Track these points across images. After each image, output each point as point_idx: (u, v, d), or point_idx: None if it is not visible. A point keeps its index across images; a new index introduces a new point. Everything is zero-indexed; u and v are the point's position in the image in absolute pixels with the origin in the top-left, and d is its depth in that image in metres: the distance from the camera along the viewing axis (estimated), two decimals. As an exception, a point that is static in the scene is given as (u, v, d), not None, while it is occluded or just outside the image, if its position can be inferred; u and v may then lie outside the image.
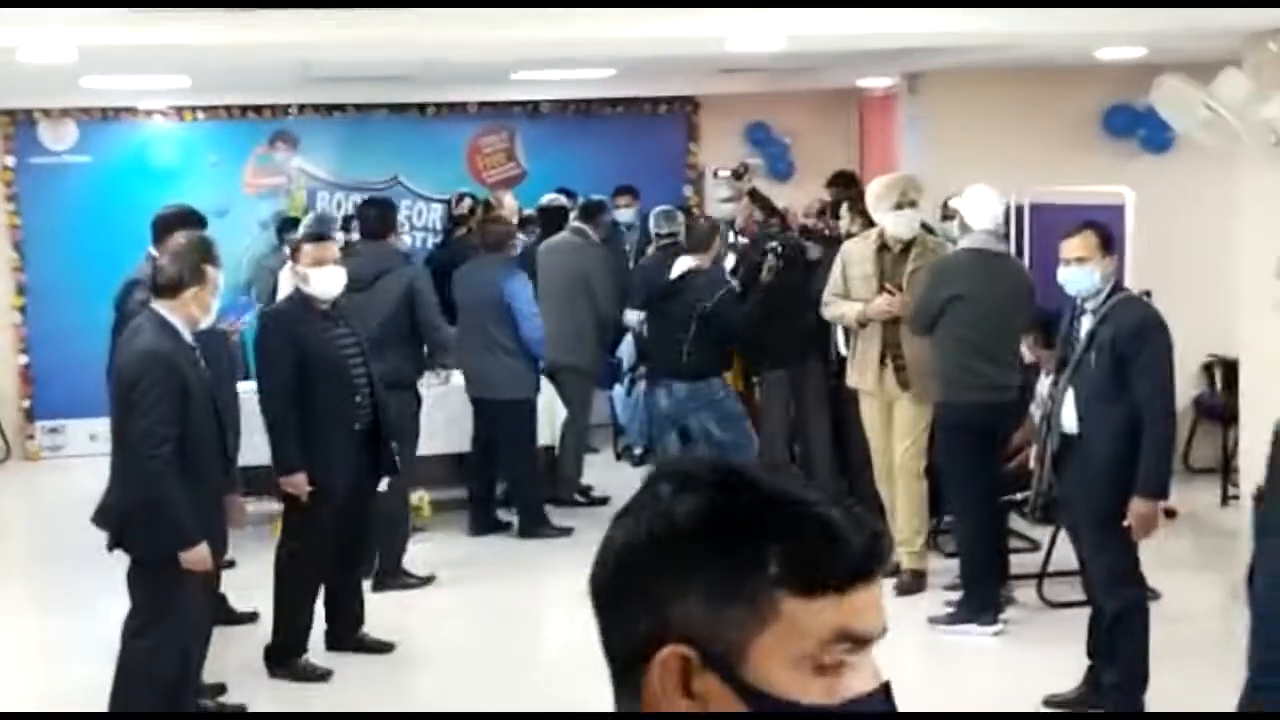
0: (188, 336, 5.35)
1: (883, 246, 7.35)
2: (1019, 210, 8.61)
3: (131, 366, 5.25)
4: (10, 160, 11.45)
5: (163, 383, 5.16)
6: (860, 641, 1.35)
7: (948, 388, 6.81)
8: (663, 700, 1.32)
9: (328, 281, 6.39)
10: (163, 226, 6.83)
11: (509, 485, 8.86)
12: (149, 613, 5.37)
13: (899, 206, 7.24)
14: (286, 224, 10.66)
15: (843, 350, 7.91)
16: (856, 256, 7.43)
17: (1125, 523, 5.57)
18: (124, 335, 5.48)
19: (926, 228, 7.65)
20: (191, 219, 7.04)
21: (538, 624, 7.82)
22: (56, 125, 11.50)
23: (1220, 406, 9.17)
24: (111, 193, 11.30)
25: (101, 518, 5.48)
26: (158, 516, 5.20)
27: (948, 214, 7.77)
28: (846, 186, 9.32)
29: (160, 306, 5.34)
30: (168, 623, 5.36)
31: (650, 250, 9.55)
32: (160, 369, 5.18)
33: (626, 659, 1.36)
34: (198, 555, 5.23)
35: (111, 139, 11.59)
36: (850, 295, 7.41)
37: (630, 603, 1.35)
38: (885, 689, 1.37)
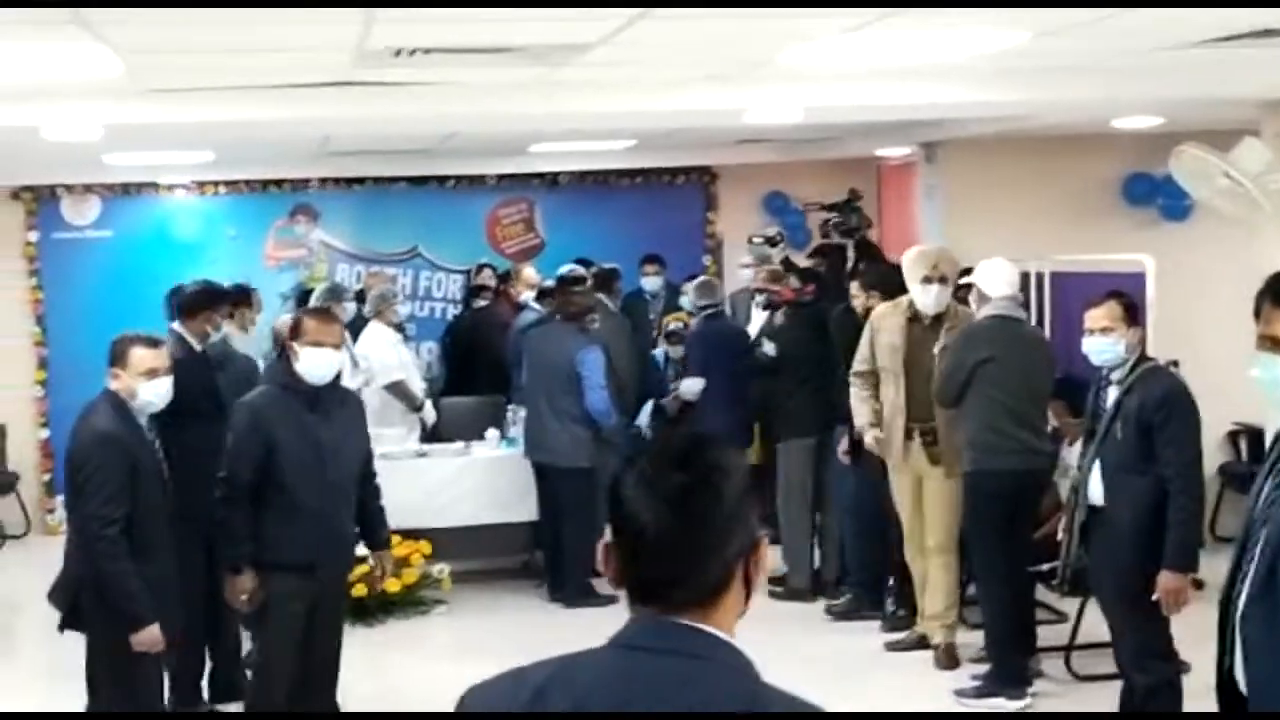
0: (140, 418, 5.38)
1: (913, 317, 7.33)
2: (1039, 279, 8.59)
3: (80, 448, 5.28)
4: (33, 235, 11.53)
5: (110, 464, 5.17)
6: None
7: (979, 455, 6.74)
8: (755, 579, 1.94)
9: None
10: (189, 304, 6.90)
11: (557, 553, 8.79)
12: (107, 694, 5.37)
13: (927, 280, 7.22)
14: (305, 295, 10.70)
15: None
16: (886, 325, 7.39)
17: (1154, 597, 5.51)
18: (79, 416, 5.48)
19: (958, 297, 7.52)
20: (216, 294, 7.10)
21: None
22: (79, 201, 11.58)
23: (1246, 475, 9.09)
24: (133, 267, 11.37)
25: (56, 597, 5.50)
26: (108, 596, 5.21)
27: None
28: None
29: (112, 384, 5.38)
30: (136, 706, 5.36)
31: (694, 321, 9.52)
32: (108, 450, 5.20)
33: (720, 580, 1.90)
34: (149, 636, 5.21)
35: (133, 214, 11.67)
36: (877, 365, 7.38)
37: (739, 528, 1.92)
38: None
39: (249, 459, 5.57)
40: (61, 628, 5.48)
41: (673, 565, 1.89)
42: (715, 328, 9.18)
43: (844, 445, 8.05)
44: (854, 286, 8.17)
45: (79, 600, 5.35)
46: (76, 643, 5.49)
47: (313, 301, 9.43)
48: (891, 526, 7.69)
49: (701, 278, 9.86)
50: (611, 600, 8.30)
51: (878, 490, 7.74)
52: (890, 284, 7.77)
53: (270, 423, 5.59)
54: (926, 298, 7.23)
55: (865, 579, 8.22)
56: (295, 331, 5.76)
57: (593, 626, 2.05)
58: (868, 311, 7.97)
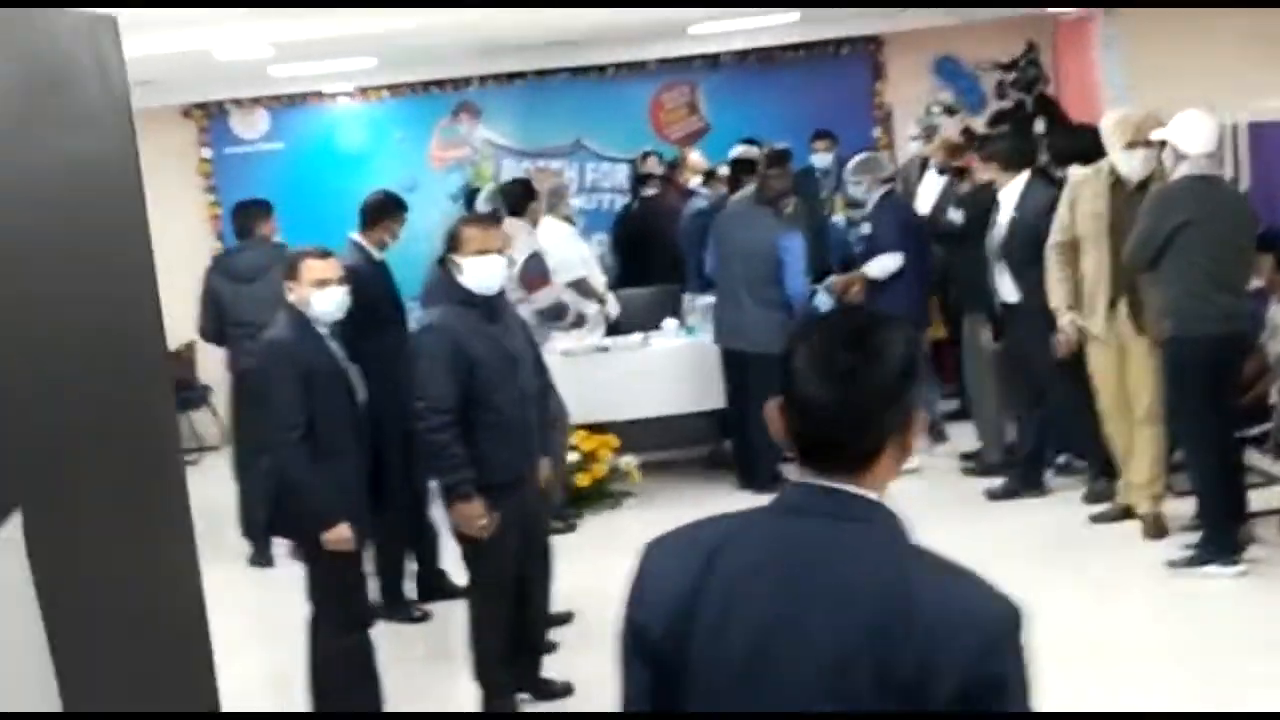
0: (320, 327, 5.40)
1: (1115, 183, 7.02)
2: (1234, 130, 8.20)
3: (259, 361, 5.43)
4: (207, 152, 11.72)
5: (284, 373, 5.25)
6: None
7: (1180, 322, 6.47)
8: (908, 445, 2.07)
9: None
10: (368, 213, 6.97)
11: (745, 441, 8.66)
12: (319, 595, 5.47)
13: (1131, 146, 6.89)
14: (473, 194, 10.69)
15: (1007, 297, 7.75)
16: (1088, 193, 7.09)
17: None
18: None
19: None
20: (395, 204, 7.16)
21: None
22: (248, 114, 11.72)
23: None
24: (304, 177, 11.49)
25: (257, 511, 5.59)
26: (297, 499, 5.29)
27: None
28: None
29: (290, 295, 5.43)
30: (338, 608, 5.46)
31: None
32: (281, 360, 5.28)
33: (876, 449, 2.04)
34: (338, 534, 5.28)
35: (301, 124, 11.77)
36: (1078, 234, 7.11)
37: (898, 404, 2.04)
38: None
39: (452, 382, 5.35)
40: (268, 533, 5.59)
41: (833, 434, 2.06)
42: (892, 203, 8.92)
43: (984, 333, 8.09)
44: (994, 168, 7.86)
45: (278, 505, 5.46)
46: (282, 544, 5.65)
47: (481, 203, 9.43)
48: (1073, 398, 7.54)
49: (861, 155, 9.48)
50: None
51: (1030, 366, 7.70)
52: (1074, 149, 7.50)
53: (465, 341, 5.39)
54: (1132, 163, 6.91)
55: (1019, 458, 8.08)
56: (455, 243, 5.54)
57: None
58: (989, 183, 7.72)
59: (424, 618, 7.07)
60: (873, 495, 2.06)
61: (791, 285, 8.31)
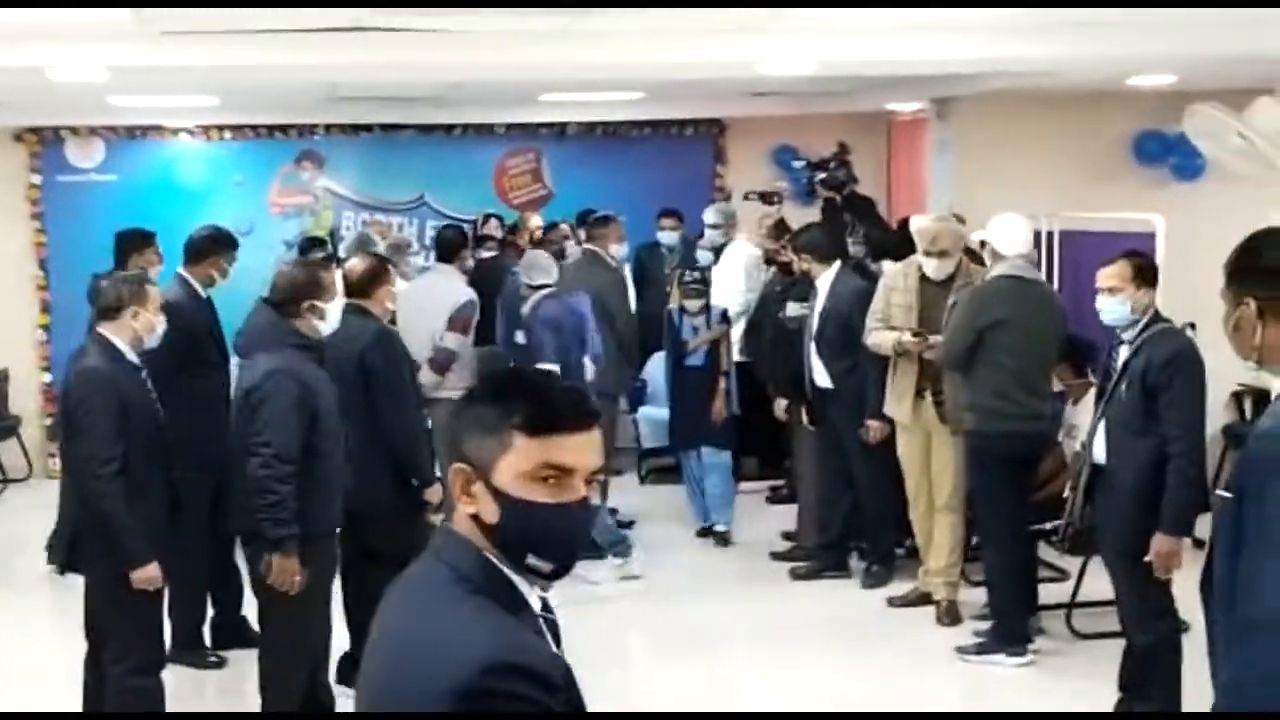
0: (132, 357, 5.34)
1: (924, 277, 7.28)
2: (1049, 236, 8.56)
3: (74, 389, 5.26)
4: (36, 178, 11.46)
5: (104, 404, 5.15)
6: (563, 469, 2.13)
7: (984, 418, 6.72)
8: (460, 500, 2.17)
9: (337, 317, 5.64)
10: (196, 248, 6.90)
11: None
12: (110, 635, 5.38)
13: (927, 254, 7.20)
14: (310, 244, 10.62)
15: (821, 383, 7.96)
16: (900, 286, 7.35)
17: (1147, 558, 5.50)
18: (71, 357, 5.46)
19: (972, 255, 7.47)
20: (224, 241, 7.09)
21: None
22: (84, 143, 11.51)
23: (1250, 435, 9.09)
24: (137, 211, 11.23)
25: (55, 546, 5.47)
26: (106, 535, 5.18)
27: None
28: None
29: (104, 329, 5.33)
30: (138, 649, 5.37)
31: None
32: (101, 390, 5.18)
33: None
34: (147, 574, 5.21)
35: (138, 157, 11.60)
36: (891, 324, 7.34)
37: (453, 450, 2.19)
38: (583, 502, 2.16)
39: (299, 430, 5.24)
40: (62, 569, 5.47)
41: None
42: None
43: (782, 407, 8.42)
44: (805, 257, 8.05)
45: (77, 541, 5.35)
46: (78, 583, 5.51)
47: (343, 251, 9.39)
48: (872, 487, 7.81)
49: (718, 204, 9.87)
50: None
51: (842, 450, 7.94)
52: (888, 245, 7.80)
53: (310, 388, 5.31)
54: (929, 266, 7.22)
55: (828, 540, 8.27)
56: (317, 288, 5.46)
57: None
58: (805, 273, 7.96)
59: (219, 664, 6.95)
60: (486, 550, 2.16)
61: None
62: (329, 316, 5.49)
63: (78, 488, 5.30)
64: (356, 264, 6.33)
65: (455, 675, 1.96)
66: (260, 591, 5.44)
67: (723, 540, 8.91)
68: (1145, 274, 5.71)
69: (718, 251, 10.01)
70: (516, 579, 2.15)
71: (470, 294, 8.41)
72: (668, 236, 10.82)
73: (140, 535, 5.20)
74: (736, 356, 9.19)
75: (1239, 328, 2.90)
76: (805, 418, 8.28)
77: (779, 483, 9.99)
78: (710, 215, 10.12)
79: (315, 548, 5.35)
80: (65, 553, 5.45)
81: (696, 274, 9.05)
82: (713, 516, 8.98)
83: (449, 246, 8.79)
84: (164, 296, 6.31)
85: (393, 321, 6.72)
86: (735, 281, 9.66)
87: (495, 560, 2.14)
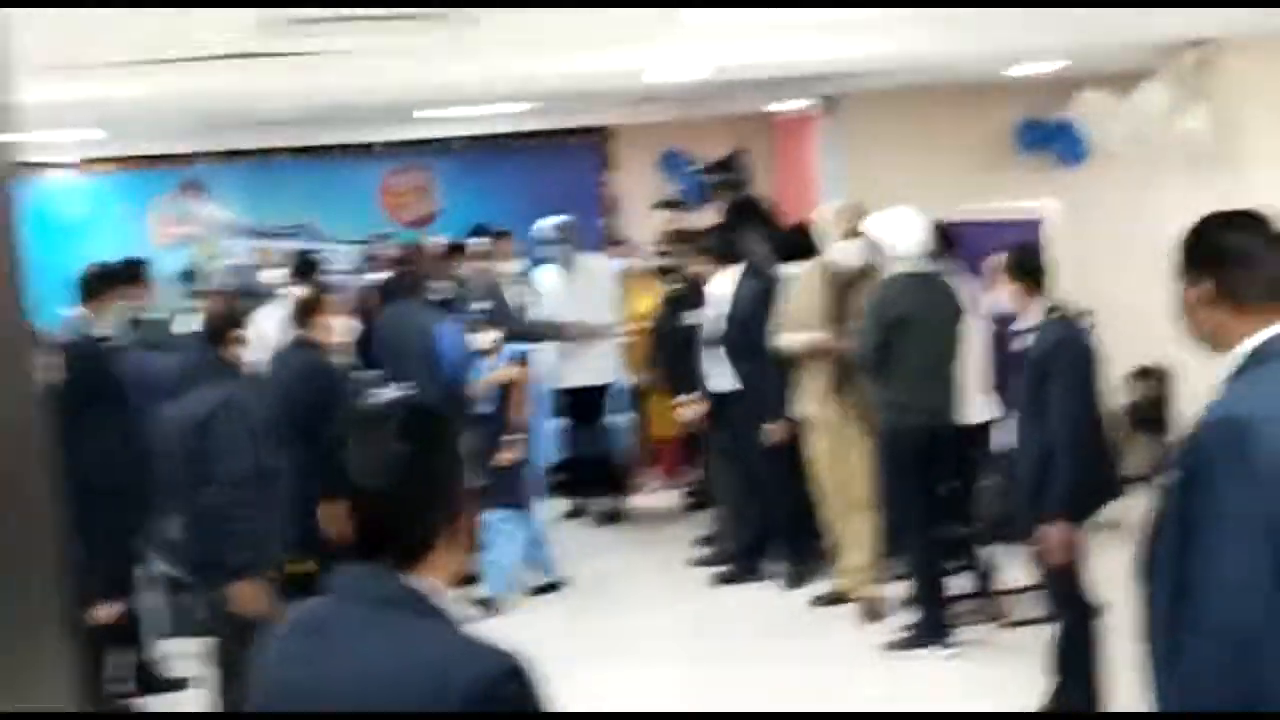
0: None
1: (830, 275, 7.28)
2: (941, 229, 8.59)
3: None
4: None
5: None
6: None
7: (897, 415, 6.74)
8: (462, 540, 2.19)
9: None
10: (94, 283, 6.72)
11: None
12: None
13: (847, 235, 7.17)
14: (187, 275, 10.39)
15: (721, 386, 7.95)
16: (805, 287, 7.34)
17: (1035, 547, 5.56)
18: None
19: None
20: (119, 274, 6.92)
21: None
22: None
23: (1150, 417, 9.24)
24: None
25: None
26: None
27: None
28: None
29: None
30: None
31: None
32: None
33: (431, 538, 2.16)
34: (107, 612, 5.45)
35: (13, 195, 11.28)
36: (798, 325, 7.30)
37: (438, 500, 2.18)
38: None
39: (250, 455, 5.32)
40: None
41: (386, 524, 2.16)
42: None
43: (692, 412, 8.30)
44: (707, 261, 8.04)
45: None
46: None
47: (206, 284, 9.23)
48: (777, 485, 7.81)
49: (558, 219, 9.54)
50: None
51: (745, 453, 7.92)
52: (789, 247, 7.81)
53: (254, 416, 5.46)
54: (848, 252, 7.18)
55: (743, 543, 8.26)
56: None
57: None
58: (697, 278, 7.98)
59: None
60: (416, 582, 2.16)
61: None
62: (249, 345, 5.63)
63: None
64: (299, 293, 6.60)
65: (469, 690, 2.02)
66: (220, 626, 5.40)
67: (552, 587, 8.26)
68: (1016, 267, 5.73)
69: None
70: (444, 600, 2.19)
71: None
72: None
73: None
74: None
75: (1194, 311, 2.88)
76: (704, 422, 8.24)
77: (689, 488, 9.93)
78: (548, 230, 9.42)
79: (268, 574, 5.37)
80: None
81: (486, 304, 8.62)
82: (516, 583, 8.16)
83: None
84: (62, 338, 6.22)
85: None
86: (599, 298, 9.46)
87: (423, 589, 2.16)
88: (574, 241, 9.45)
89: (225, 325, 5.60)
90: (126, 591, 6.59)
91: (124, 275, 7.00)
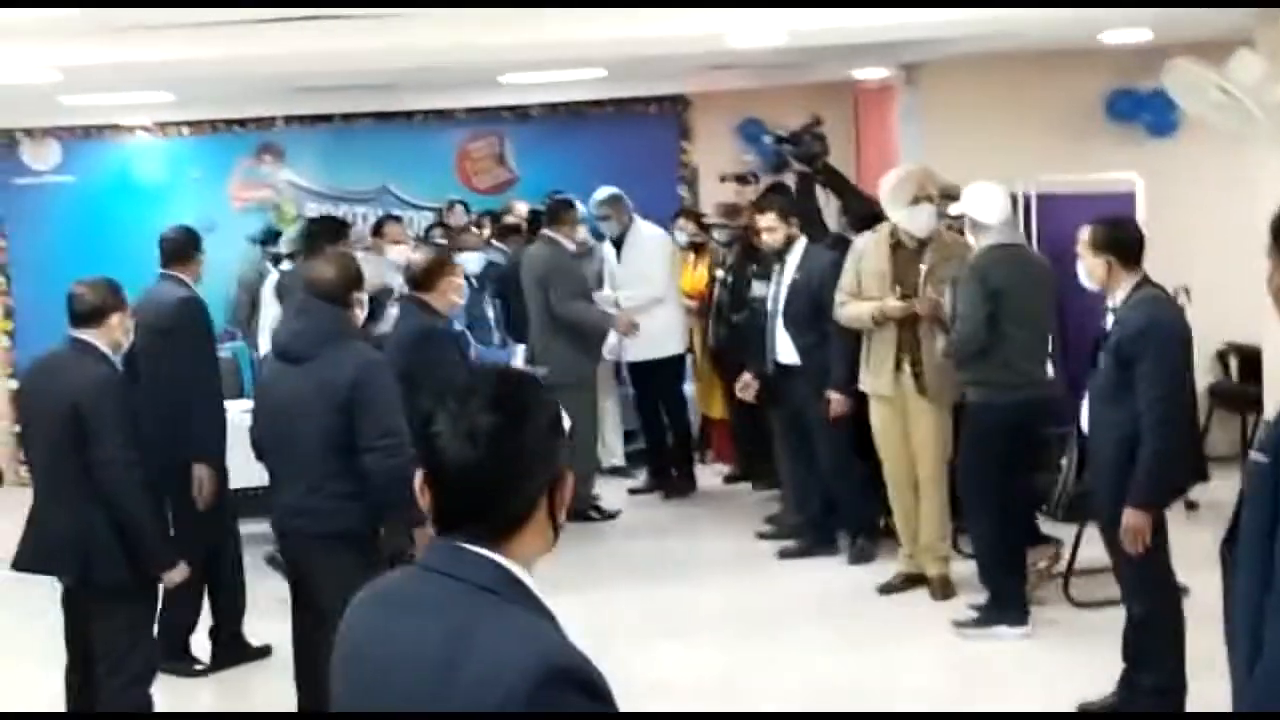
0: (116, 361, 5.28)
1: (897, 244, 7.14)
2: (1025, 200, 8.44)
3: (86, 395, 5.09)
4: (-7, 182, 11.27)
5: (121, 408, 5.12)
6: None
7: (992, 391, 6.56)
8: (559, 509, 2.06)
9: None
10: (183, 248, 6.74)
11: None
12: (123, 645, 5.27)
13: (915, 201, 7.01)
14: (269, 236, 10.37)
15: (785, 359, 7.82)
16: (871, 254, 7.21)
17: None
18: (56, 366, 5.27)
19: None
20: (198, 239, 6.92)
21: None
22: (39, 145, 11.31)
23: (1236, 394, 9.03)
24: (96, 212, 11.12)
25: (61, 556, 5.27)
26: (140, 539, 5.14)
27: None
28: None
29: (86, 335, 5.21)
30: (139, 655, 5.30)
31: None
32: (116, 393, 5.14)
33: (522, 512, 2.02)
34: (177, 574, 5.29)
35: (95, 157, 11.41)
36: (863, 295, 7.19)
37: (542, 467, 2.04)
38: None
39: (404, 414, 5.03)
40: (77, 585, 5.31)
41: (475, 499, 2.01)
42: None
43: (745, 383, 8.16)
44: (771, 217, 7.86)
45: (90, 551, 5.16)
46: (41, 589, 5.44)
47: (284, 243, 9.25)
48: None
49: (606, 192, 9.62)
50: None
51: (804, 428, 7.84)
52: (866, 215, 7.66)
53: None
54: (917, 220, 7.04)
55: (808, 518, 8.15)
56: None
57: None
58: (789, 240, 7.78)
59: (204, 671, 6.77)
60: (504, 562, 2.03)
61: None
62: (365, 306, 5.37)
63: (101, 493, 5.11)
64: (418, 257, 6.42)
65: (516, 685, 1.88)
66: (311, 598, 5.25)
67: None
68: (1102, 239, 5.45)
69: (618, 243, 9.59)
70: (529, 583, 2.05)
71: None
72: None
73: (165, 536, 5.31)
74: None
75: None
76: (763, 396, 8.13)
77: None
78: (593, 206, 9.50)
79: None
80: (78, 565, 5.23)
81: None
82: None
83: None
84: (174, 295, 6.49)
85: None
86: (650, 270, 9.41)
87: (514, 569, 2.03)
88: (621, 215, 9.40)
89: (351, 286, 5.22)
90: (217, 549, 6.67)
91: (199, 240, 6.96)
